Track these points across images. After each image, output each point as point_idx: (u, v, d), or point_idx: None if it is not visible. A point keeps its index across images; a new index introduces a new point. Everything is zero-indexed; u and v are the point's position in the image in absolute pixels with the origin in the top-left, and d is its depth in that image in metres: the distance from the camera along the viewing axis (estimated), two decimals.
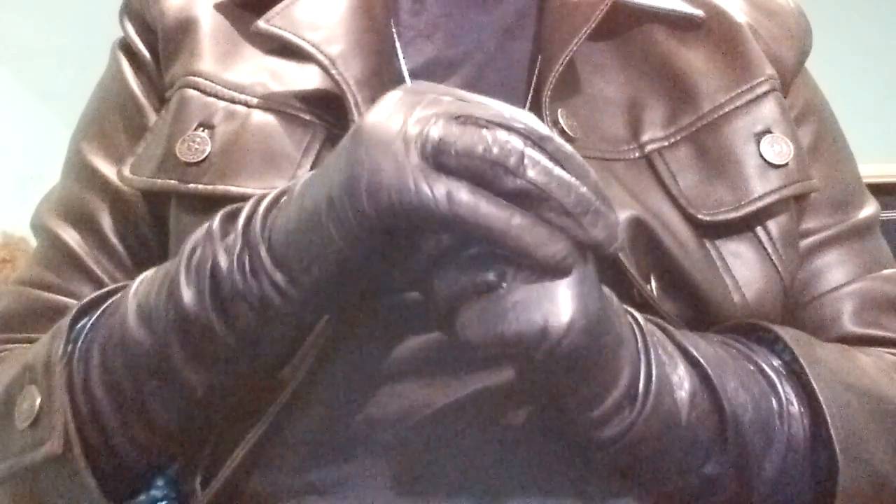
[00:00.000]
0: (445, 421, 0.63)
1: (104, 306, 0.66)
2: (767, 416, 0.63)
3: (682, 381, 0.60)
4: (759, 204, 0.72)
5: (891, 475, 0.65)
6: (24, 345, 0.73)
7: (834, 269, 0.76)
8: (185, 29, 0.76)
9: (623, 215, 0.67)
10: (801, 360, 0.65)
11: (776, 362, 0.66)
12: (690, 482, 0.62)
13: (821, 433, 0.63)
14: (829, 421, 0.63)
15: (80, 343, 0.65)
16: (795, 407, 0.64)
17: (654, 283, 0.68)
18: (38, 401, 0.63)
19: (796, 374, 0.65)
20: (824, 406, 0.63)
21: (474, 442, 0.62)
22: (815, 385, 0.64)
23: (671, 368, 0.60)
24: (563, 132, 0.69)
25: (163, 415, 0.64)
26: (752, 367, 0.65)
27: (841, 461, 0.62)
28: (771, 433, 0.63)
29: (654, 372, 0.59)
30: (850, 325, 0.74)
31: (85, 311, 0.66)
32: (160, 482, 0.67)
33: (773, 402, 0.64)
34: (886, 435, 0.66)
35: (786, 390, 0.64)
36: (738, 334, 0.68)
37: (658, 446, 0.60)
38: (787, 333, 0.67)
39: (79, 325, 0.66)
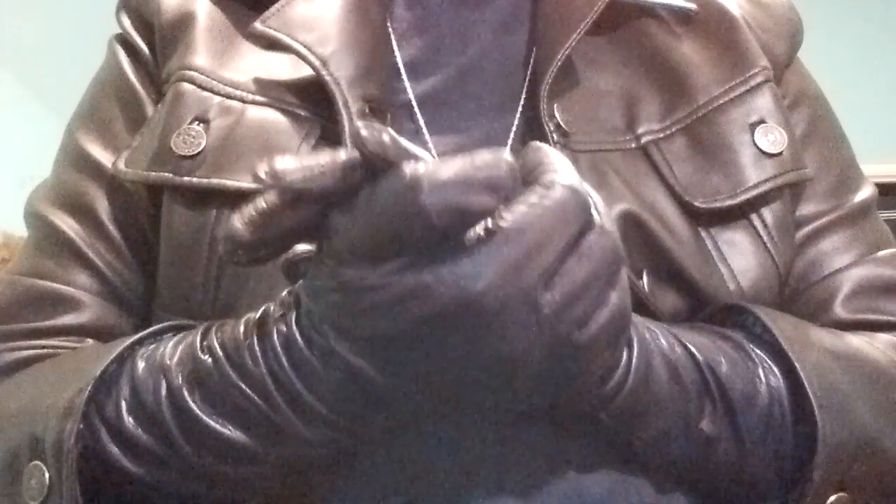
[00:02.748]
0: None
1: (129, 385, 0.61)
2: (744, 371, 0.63)
3: (673, 344, 0.61)
4: (754, 192, 0.72)
5: (878, 435, 0.64)
6: (31, 356, 0.70)
7: (832, 256, 0.76)
8: (181, 24, 0.76)
9: (615, 210, 0.67)
10: (770, 326, 0.64)
11: (749, 335, 0.66)
12: (693, 445, 0.61)
13: (800, 392, 0.63)
14: (801, 373, 0.62)
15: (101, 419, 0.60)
16: (769, 365, 0.64)
17: (646, 278, 0.68)
18: (47, 478, 0.60)
19: (769, 344, 0.65)
20: (794, 360, 0.63)
21: (474, 436, 0.62)
22: (783, 345, 0.63)
23: (652, 336, 0.61)
24: (559, 127, 0.70)
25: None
26: (723, 340, 0.65)
27: (818, 413, 0.61)
28: (752, 383, 0.63)
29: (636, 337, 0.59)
30: (841, 311, 0.74)
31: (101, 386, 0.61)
32: None
33: (749, 362, 0.63)
34: (873, 396, 0.65)
35: (758, 353, 0.64)
36: (713, 321, 0.68)
37: (650, 399, 0.59)
38: (759, 309, 0.67)
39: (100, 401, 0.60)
